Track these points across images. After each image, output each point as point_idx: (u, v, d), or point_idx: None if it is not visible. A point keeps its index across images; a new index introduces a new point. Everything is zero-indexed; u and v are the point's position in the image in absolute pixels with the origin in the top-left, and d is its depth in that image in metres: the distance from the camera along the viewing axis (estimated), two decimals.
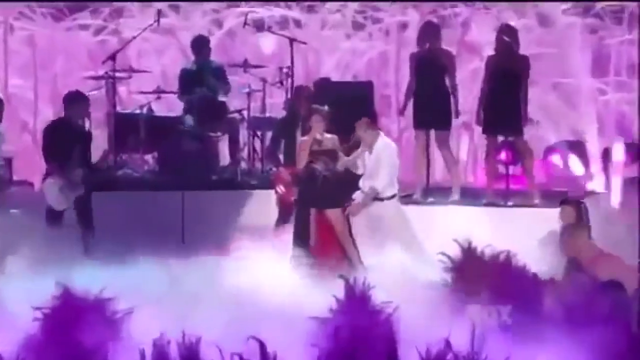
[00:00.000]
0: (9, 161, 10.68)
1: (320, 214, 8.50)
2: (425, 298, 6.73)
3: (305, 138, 8.69)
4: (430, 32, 9.91)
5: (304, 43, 11.19)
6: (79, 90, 9.46)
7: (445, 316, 6.47)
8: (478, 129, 10.36)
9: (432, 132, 9.90)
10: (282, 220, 9.19)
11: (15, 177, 10.76)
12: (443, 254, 7.18)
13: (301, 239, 8.38)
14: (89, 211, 9.03)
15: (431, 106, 9.61)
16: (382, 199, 8.62)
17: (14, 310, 6.43)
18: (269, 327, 6.21)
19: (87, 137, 9.15)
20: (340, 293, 6.28)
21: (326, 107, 8.91)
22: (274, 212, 9.31)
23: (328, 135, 8.69)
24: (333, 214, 8.44)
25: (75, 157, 8.89)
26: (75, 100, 9.13)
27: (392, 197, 8.70)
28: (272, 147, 9.53)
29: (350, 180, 8.76)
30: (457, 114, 9.89)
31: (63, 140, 8.90)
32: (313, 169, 8.46)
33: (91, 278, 6.78)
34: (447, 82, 9.84)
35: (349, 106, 9.62)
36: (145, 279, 7.49)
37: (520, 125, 9.68)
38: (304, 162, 8.66)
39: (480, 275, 6.89)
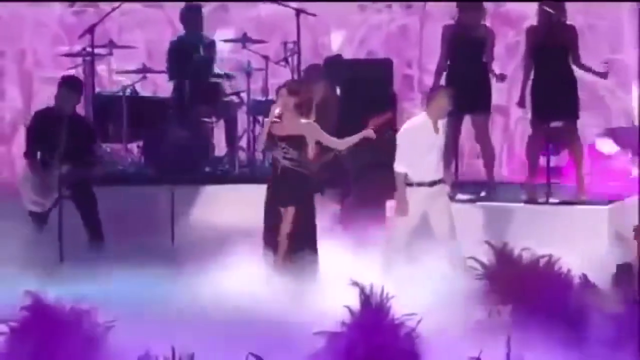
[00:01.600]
0: None
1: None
2: (453, 309, 6.72)
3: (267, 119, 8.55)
4: (467, 2, 9.87)
5: (313, 15, 11.18)
6: (73, 74, 9.44)
7: (476, 331, 6.45)
8: (515, 113, 10.33)
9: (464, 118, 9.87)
10: None
11: None
12: (474, 258, 7.16)
13: (269, 235, 8.33)
14: (94, 211, 9.06)
15: (467, 87, 9.54)
16: (410, 184, 8.57)
17: None
18: (270, 342, 6.23)
19: (86, 127, 9.18)
20: (354, 303, 6.27)
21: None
22: None
23: (303, 121, 8.26)
24: (286, 212, 8.28)
25: (67, 151, 8.88)
26: (72, 87, 9.11)
27: (422, 184, 8.61)
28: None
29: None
30: (503, 77, 9.75)
31: (49, 133, 8.91)
32: (274, 158, 8.37)
33: (66, 286, 6.79)
34: (484, 59, 9.82)
35: (365, 87, 9.62)
36: (129, 288, 7.50)
37: (575, 109, 9.62)
38: (261, 146, 8.56)
39: (516, 283, 6.88)
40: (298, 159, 8.25)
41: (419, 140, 8.50)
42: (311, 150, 8.36)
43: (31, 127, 9.18)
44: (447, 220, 8.53)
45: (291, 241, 8.16)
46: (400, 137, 8.64)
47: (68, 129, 8.84)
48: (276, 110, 8.31)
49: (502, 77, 9.77)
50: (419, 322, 6.13)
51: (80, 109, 10.91)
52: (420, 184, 8.51)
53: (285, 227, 8.18)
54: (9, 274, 7.36)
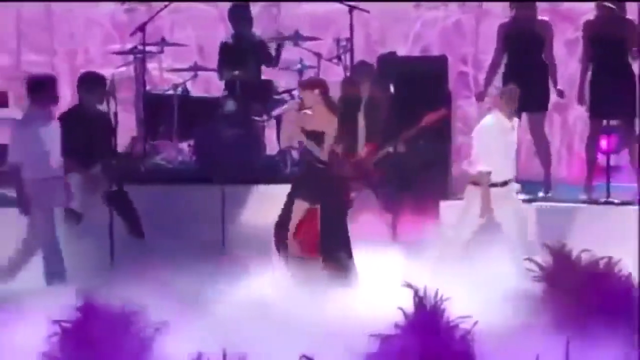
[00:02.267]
0: None
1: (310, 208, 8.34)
2: (510, 312, 6.67)
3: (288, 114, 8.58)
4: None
5: (366, 11, 11.15)
6: (93, 71, 9.48)
7: (533, 333, 6.40)
8: (573, 111, 10.24)
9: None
10: None
11: None
12: (531, 260, 7.10)
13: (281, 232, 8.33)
14: (130, 207, 9.10)
15: (524, 85, 9.48)
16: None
17: (27, 324, 6.50)
18: (324, 344, 6.22)
19: (108, 123, 9.21)
20: (408, 305, 6.25)
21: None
22: None
23: (325, 113, 8.26)
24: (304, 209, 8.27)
25: (96, 149, 8.94)
26: (91, 83, 9.16)
27: (496, 185, 8.56)
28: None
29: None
30: (562, 94, 9.78)
31: (79, 131, 8.96)
32: (303, 153, 8.38)
33: (117, 287, 6.83)
34: (543, 56, 9.75)
35: (419, 85, 9.58)
36: (180, 289, 7.53)
37: (633, 106, 9.52)
38: (285, 142, 8.54)
39: (575, 285, 6.81)
40: (319, 155, 8.26)
41: (495, 139, 8.43)
42: (326, 147, 8.35)
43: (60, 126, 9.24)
44: (518, 221, 8.46)
45: (319, 243, 8.13)
46: (478, 136, 8.57)
47: (94, 126, 8.88)
48: (305, 111, 8.30)
49: (561, 94, 9.76)
50: (474, 324, 6.09)
51: (130, 107, 11.02)
52: (493, 185, 8.44)
53: (297, 224, 8.15)
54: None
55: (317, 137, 8.27)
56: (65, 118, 9.11)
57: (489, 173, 8.44)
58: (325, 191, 8.25)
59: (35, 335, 6.29)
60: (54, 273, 8.03)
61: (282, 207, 8.35)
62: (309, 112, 8.32)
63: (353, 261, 8.16)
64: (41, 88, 8.37)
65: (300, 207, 8.21)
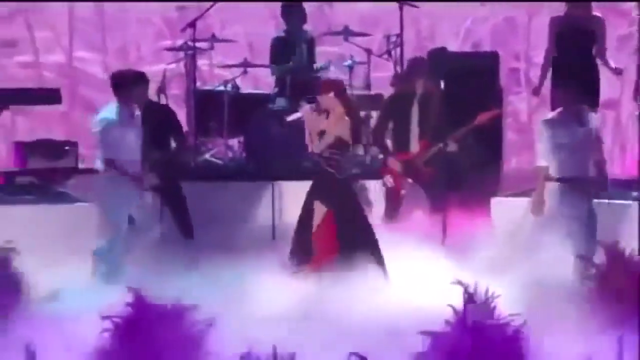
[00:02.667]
0: (74, 146, 10.94)
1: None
2: (562, 310, 6.65)
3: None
4: None
5: (416, 6, 11.14)
6: (129, 69, 9.49)
7: (586, 331, 6.38)
8: (627, 107, 10.15)
9: None
10: (388, 216, 9.21)
11: (80, 165, 11.01)
12: (583, 257, 7.07)
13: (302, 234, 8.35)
14: (183, 207, 9.15)
15: (574, 81, 9.40)
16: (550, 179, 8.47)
17: (79, 319, 6.57)
18: (373, 341, 6.23)
19: (165, 119, 9.26)
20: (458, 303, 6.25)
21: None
22: (377, 208, 9.32)
23: (341, 114, 8.20)
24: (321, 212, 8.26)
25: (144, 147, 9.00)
26: (131, 82, 9.12)
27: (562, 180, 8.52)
28: (379, 131, 9.51)
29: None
30: (619, 71, 9.60)
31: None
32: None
33: (167, 283, 6.89)
34: (594, 52, 9.69)
35: (470, 81, 9.55)
36: (230, 285, 7.58)
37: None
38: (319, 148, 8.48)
39: (628, 283, 6.77)
40: (335, 158, 8.26)
41: (556, 134, 8.36)
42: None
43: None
44: (587, 219, 8.36)
45: (340, 245, 8.13)
46: (540, 130, 8.50)
47: (145, 122, 8.91)
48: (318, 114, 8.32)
49: (618, 71, 9.64)
50: (525, 321, 6.08)
51: (181, 104, 11.10)
52: (560, 180, 8.35)
53: (319, 227, 8.16)
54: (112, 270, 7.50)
55: (336, 145, 8.25)
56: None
57: (547, 168, 8.36)
58: (337, 194, 8.24)
59: (87, 330, 6.36)
60: (110, 271, 8.11)
61: (302, 207, 8.35)
62: (322, 115, 8.31)
63: (376, 262, 8.07)
64: (129, 85, 8.42)
65: (320, 209, 8.21)
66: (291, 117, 8.75)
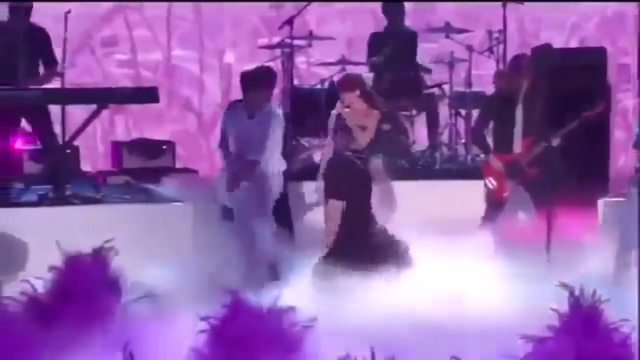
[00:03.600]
0: (171, 145, 11.09)
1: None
2: None
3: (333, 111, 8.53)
4: None
5: (520, 2, 11.05)
6: (264, 65, 9.58)
7: None
8: None
9: None
10: (489, 219, 9.13)
11: (177, 164, 11.16)
12: None
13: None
14: (287, 209, 9.23)
15: None
16: None
17: (176, 320, 6.65)
18: (472, 346, 6.20)
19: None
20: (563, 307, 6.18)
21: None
22: (474, 209, 9.25)
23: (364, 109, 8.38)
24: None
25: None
26: (261, 78, 9.16)
27: None
28: (480, 130, 9.44)
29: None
30: None
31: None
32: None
33: (266, 285, 6.93)
34: None
35: (577, 78, 9.42)
36: (326, 287, 7.60)
37: None
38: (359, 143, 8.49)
39: None
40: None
41: None
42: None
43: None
44: None
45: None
46: None
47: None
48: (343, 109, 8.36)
49: None
50: (633, 328, 5.99)
51: (279, 103, 11.15)
52: None
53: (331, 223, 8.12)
54: (210, 270, 7.58)
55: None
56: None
57: None
58: (355, 185, 8.22)
59: (184, 331, 6.43)
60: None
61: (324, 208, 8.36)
62: (347, 110, 8.34)
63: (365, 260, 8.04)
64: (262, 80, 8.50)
65: (336, 207, 8.19)
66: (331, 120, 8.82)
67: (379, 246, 8.07)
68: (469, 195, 9.51)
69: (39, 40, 9.43)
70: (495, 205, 9.11)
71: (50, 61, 9.49)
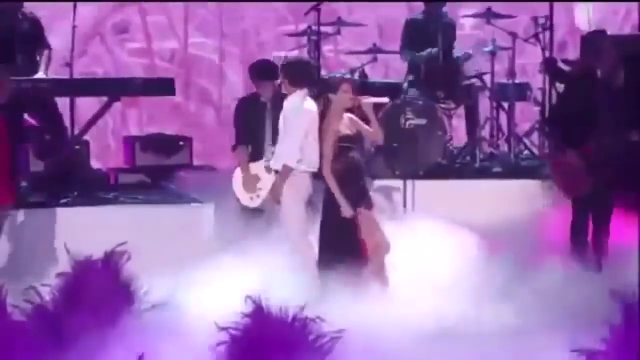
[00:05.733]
0: (188, 141, 11.08)
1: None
2: None
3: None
4: None
5: None
6: (267, 59, 9.57)
7: None
8: None
9: None
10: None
11: (195, 161, 11.15)
12: None
13: None
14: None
15: None
16: None
17: (193, 329, 6.64)
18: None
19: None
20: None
21: None
22: (512, 211, 9.20)
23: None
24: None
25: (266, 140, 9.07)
26: (265, 73, 9.21)
27: None
28: (555, 121, 9.14)
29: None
30: None
31: (255, 121, 9.10)
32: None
33: (291, 291, 6.92)
34: None
35: (633, 67, 9.30)
36: (356, 295, 7.58)
37: None
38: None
39: None
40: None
41: None
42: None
43: (236, 116, 9.37)
44: None
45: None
46: None
47: (274, 113, 8.96)
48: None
49: None
50: None
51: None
52: None
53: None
54: (230, 276, 7.57)
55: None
56: (242, 105, 9.29)
57: None
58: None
59: (202, 341, 6.42)
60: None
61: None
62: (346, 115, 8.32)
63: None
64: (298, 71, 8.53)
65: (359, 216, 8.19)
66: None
67: None
68: (510, 196, 9.47)
69: (33, 28, 9.50)
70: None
71: (45, 46, 9.58)
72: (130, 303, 6.83)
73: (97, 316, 6.67)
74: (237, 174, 9.15)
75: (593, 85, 8.83)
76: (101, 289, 6.81)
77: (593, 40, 9.16)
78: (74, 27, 9.80)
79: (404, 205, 9.85)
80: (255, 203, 9.04)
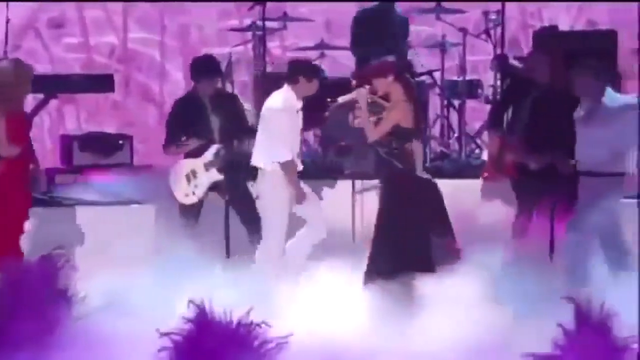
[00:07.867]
0: (128, 140, 11.03)
1: None
2: None
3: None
4: None
5: None
6: (208, 54, 9.55)
7: None
8: None
9: None
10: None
11: (135, 161, 11.11)
12: None
13: None
14: (251, 205, 9.19)
15: None
16: None
17: (134, 335, 6.61)
18: None
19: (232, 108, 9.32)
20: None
21: None
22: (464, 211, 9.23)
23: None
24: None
25: (208, 136, 9.06)
26: (204, 68, 9.18)
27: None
28: (495, 118, 9.28)
29: None
30: None
31: (193, 117, 9.08)
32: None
33: (234, 295, 6.90)
34: None
35: (584, 63, 9.38)
36: (306, 297, 7.58)
37: None
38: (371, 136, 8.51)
39: None
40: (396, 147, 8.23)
41: None
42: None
43: (169, 117, 9.35)
44: None
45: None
46: None
47: (213, 112, 8.95)
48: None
49: None
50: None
51: (248, 91, 11.13)
52: None
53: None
54: (171, 278, 7.55)
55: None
56: (178, 104, 9.26)
57: None
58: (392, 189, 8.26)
59: (143, 347, 6.39)
60: None
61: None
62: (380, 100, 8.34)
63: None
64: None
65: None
66: (342, 99, 8.72)
67: None
68: (463, 195, 9.50)
69: None
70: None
71: None
72: (67, 307, 6.78)
73: (33, 322, 6.61)
74: (174, 170, 9.14)
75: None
76: (37, 294, 6.75)
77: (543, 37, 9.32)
78: (7, 20, 9.73)
79: (352, 204, 9.87)
80: (190, 200, 9.04)
